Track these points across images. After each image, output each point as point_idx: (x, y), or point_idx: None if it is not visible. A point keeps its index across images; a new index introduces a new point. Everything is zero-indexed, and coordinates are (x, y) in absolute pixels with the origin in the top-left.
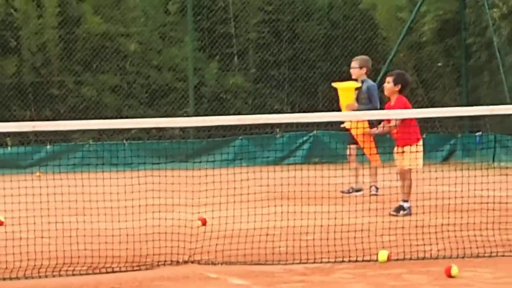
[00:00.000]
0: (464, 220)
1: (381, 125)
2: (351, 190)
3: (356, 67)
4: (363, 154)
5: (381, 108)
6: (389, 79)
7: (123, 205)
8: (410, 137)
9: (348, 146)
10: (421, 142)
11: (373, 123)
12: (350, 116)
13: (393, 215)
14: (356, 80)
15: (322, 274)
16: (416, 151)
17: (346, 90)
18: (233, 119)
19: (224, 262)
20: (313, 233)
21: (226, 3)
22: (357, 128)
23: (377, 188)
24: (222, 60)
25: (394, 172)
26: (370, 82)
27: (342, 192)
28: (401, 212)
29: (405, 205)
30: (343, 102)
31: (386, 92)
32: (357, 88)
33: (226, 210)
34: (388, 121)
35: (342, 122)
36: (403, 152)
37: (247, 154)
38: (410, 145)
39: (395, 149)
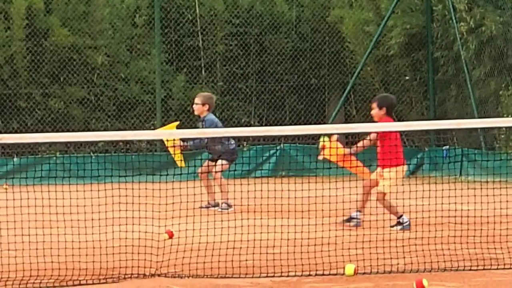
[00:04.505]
0: (431, 234)
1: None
2: (209, 206)
3: (199, 103)
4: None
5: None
6: (373, 105)
7: (90, 218)
8: (388, 158)
9: (207, 163)
10: (400, 168)
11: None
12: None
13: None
14: (199, 116)
15: (289, 287)
16: (393, 172)
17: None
18: (199, 133)
19: (191, 275)
20: (280, 246)
21: (193, 16)
22: (330, 155)
23: (229, 205)
24: (189, 73)
25: (360, 186)
26: (211, 118)
27: (201, 207)
28: (396, 227)
29: (401, 220)
30: (168, 143)
31: (375, 118)
32: (177, 126)
33: (193, 223)
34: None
35: (315, 137)
36: (382, 172)
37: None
38: (388, 167)
39: (378, 169)
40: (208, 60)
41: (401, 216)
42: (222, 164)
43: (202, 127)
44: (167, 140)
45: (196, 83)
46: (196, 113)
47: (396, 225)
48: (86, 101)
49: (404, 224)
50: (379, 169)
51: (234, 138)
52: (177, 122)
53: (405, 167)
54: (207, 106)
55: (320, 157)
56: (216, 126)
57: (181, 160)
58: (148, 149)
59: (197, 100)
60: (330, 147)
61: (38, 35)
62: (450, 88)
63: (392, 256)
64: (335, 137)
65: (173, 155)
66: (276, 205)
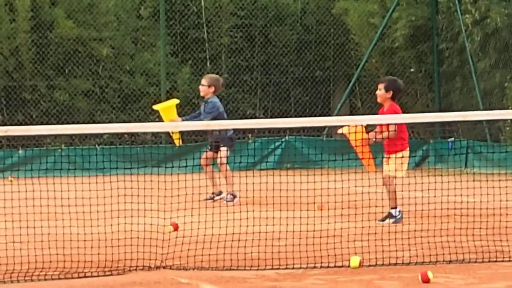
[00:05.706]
0: (436, 226)
1: (376, 129)
2: (213, 196)
3: (205, 85)
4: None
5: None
6: (380, 86)
7: (95, 210)
8: (396, 144)
9: (205, 153)
10: (406, 153)
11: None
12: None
13: (380, 222)
14: (203, 97)
15: (294, 279)
16: (399, 157)
17: (166, 109)
18: (204, 125)
19: (196, 267)
20: (285, 238)
21: (198, 8)
22: (356, 133)
23: (234, 196)
24: (194, 65)
25: (366, 178)
26: (214, 100)
27: (206, 200)
28: (388, 220)
29: (394, 212)
30: (165, 119)
31: (378, 99)
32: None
33: (198, 215)
34: (381, 127)
35: (320, 129)
36: (388, 158)
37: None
38: (396, 152)
39: (384, 156)
40: (213, 52)
41: (395, 208)
42: (221, 157)
43: (204, 108)
44: (165, 116)
45: (201, 75)
46: (201, 94)
47: (387, 217)
48: (91, 93)
49: (397, 217)
50: (385, 155)
51: (239, 130)
52: (176, 101)
53: (408, 152)
54: (213, 88)
55: (340, 131)
56: (218, 110)
57: (178, 139)
58: (153, 141)
59: (203, 81)
60: (356, 126)
61: (43, 27)
62: (455, 80)
63: (397, 248)
64: (364, 124)
65: (171, 134)
66: (281, 197)
